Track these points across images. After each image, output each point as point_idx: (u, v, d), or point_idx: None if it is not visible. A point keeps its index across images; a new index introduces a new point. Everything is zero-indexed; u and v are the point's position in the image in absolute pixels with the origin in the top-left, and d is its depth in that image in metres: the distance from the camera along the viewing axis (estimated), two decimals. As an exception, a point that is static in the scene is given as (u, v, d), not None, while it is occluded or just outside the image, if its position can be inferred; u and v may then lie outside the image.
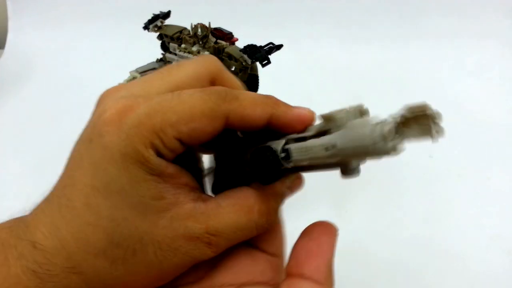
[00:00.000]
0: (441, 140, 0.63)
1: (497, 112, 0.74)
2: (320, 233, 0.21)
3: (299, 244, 0.21)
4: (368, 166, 0.68)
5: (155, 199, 0.19)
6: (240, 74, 0.43)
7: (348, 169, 0.20)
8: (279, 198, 0.22)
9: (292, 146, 0.20)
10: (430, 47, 0.88)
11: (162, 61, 0.48)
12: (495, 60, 0.85)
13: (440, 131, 0.18)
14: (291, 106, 0.22)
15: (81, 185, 0.19)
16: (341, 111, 0.19)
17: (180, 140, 0.19)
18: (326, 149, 0.18)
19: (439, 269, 0.46)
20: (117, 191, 0.19)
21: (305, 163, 0.19)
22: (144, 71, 0.48)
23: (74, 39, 0.93)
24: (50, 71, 0.86)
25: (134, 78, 0.47)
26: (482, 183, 0.58)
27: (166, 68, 0.22)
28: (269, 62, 0.40)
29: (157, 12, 0.47)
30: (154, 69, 0.48)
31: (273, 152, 0.20)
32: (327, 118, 0.20)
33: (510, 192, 0.57)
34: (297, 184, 0.23)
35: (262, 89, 0.44)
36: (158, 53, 0.48)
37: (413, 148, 0.73)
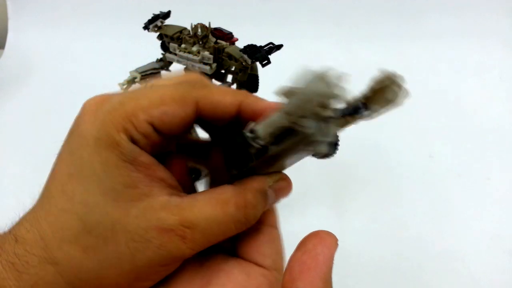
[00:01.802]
0: (441, 140, 0.63)
1: (497, 112, 0.74)
2: (316, 244, 0.20)
3: (293, 257, 0.20)
4: (368, 166, 0.68)
5: (127, 187, 0.19)
6: (240, 74, 0.43)
7: (317, 149, 0.18)
8: (259, 194, 0.21)
9: (258, 125, 0.19)
10: (430, 47, 0.88)
11: (162, 61, 0.48)
12: (495, 60, 0.85)
13: (405, 94, 0.18)
14: (262, 98, 0.22)
15: (59, 174, 0.20)
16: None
17: (152, 125, 0.19)
18: (281, 112, 0.18)
19: (439, 269, 0.46)
20: (90, 175, 0.19)
21: (269, 139, 0.19)
22: (144, 71, 0.48)
23: (74, 39, 0.93)
24: (50, 71, 0.86)
25: (134, 78, 0.47)
26: (482, 183, 0.59)
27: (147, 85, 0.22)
28: (269, 62, 0.40)
29: (157, 12, 0.47)
30: (154, 69, 0.48)
31: (241, 133, 0.19)
32: (288, 93, 0.18)
33: (510, 192, 0.57)
34: (283, 187, 0.22)
35: (262, 89, 0.44)
36: (158, 53, 0.48)
37: (413, 148, 0.73)
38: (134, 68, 0.48)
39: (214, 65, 0.43)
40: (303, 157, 0.21)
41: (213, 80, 0.46)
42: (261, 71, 0.43)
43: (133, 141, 0.19)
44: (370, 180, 0.59)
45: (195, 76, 0.23)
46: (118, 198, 0.19)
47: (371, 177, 0.59)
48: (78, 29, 0.93)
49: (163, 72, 0.49)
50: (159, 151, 0.21)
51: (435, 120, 0.72)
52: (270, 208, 0.23)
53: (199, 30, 0.42)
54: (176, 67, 0.47)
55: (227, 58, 0.42)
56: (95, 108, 0.20)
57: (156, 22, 0.46)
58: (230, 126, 0.22)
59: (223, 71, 0.45)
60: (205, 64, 0.42)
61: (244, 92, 0.22)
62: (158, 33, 0.47)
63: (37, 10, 0.94)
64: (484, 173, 0.60)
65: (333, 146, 0.19)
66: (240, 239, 0.23)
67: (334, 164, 0.61)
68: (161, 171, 0.20)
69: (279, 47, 0.41)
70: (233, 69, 0.44)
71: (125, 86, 0.47)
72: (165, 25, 0.46)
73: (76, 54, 0.90)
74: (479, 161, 0.62)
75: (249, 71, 0.43)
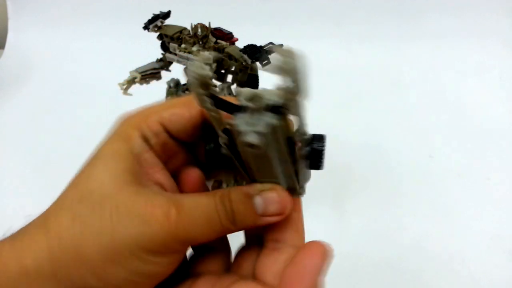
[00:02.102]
0: (441, 140, 0.63)
1: (497, 112, 0.74)
2: (305, 256, 0.21)
3: (285, 270, 0.21)
4: (368, 166, 0.68)
5: (127, 173, 0.21)
6: (240, 74, 0.43)
7: (246, 139, 0.17)
8: (242, 195, 0.21)
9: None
10: (430, 47, 0.88)
11: (162, 61, 0.48)
12: (495, 60, 0.85)
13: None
14: None
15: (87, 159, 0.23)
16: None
17: (163, 126, 0.22)
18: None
19: (438, 268, 0.46)
20: (100, 157, 0.22)
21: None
22: (144, 71, 0.48)
23: (74, 39, 0.93)
24: (50, 71, 0.86)
25: (134, 78, 0.47)
26: (482, 183, 0.59)
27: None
28: (269, 62, 0.40)
29: (157, 12, 0.47)
30: (154, 69, 0.48)
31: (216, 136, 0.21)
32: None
33: (510, 192, 0.57)
34: (272, 198, 0.21)
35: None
36: (158, 53, 0.48)
37: (413, 148, 0.73)
38: (134, 68, 0.48)
39: (214, 65, 0.43)
40: (286, 163, 0.21)
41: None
42: (261, 71, 0.43)
43: (145, 139, 0.22)
44: (370, 180, 0.59)
45: None
46: (117, 178, 0.21)
47: (371, 177, 0.59)
48: (78, 29, 0.93)
49: (163, 72, 0.49)
50: (173, 158, 0.24)
51: (435, 120, 0.72)
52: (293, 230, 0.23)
53: (199, 30, 0.42)
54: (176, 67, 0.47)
55: (227, 58, 0.42)
56: (122, 120, 0.24)
57: (156, 22, 0.46)
58: None
59: (223, 71, 0.45)
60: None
61: None
62: (158, 33, 0.47)
63: (37, 10, 0.94)
64: (484, 173, 0.60)
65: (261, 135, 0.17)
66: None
67: (334, 164, 0.61)
68: (161, 174, 0.23)
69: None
70: (233, 69, 0.44)
71: (125, 86, 0.47)
72: (165, 25, 0.46)
73: (76, 54, 0.90)
74: (479, 161, 0.62)
75: (249, 71, 0.43)
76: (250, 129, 0.17)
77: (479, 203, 0.55)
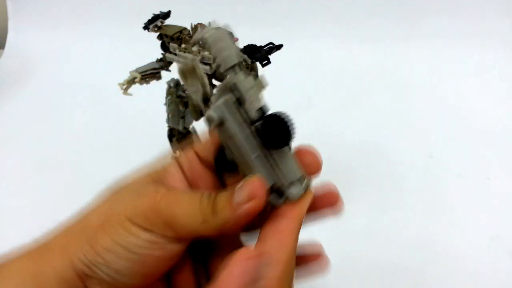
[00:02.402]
0: (441, 140, 0.63)
1: (497, 113, 0.74)
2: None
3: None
4: (368, 166, 0.68)
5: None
6: (240, 74, 0.43)
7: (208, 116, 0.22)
8: (227, 191, 0.22)
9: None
10: (430, 47, 0.88)
11: (162, 61, 0.48)
12: (495, 60, 0.85)
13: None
14: None
15: None
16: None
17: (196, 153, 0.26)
18: None
19: (438, 269, 0.46)
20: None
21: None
22: (144, 71, 0.48)
23: (74, 39, 0.93)
24: (50, 71, 0.86)
25: (134, 78, 0.47)
26: (481, 183, 0.59)
27: None
28: (269, 62, 0.40)
29: (157, 12, 0.47)
30: (154, 69, 0.48)
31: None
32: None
33: (510, 192, 0.57)
34: (245, 186, 0.21)
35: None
36: (158, 53, 0.48)
37: (413, 148, 0.73)
38: (134, 68, 0.48)
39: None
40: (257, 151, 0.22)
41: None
42: (261, 71, 0.43)
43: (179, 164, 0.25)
44: (370, 180, 0.59)
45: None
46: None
47: (371, 177, 0.59)
48: (78, 29, 0.94)
49: (163, 72, 0.49)
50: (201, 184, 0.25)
51: (435, 120, 0.72)
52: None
53: (199, 30, 0.42)
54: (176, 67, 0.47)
55: (227, 58, 0.42)
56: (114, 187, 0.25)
57: (156, 22, 0.46)
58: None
59: (223, 71, 0.45)
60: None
61: None
62: (158, 33, 0.47)
63: (37, 11, 0.94)
64: (484, 173, 0.60)
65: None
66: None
67: (334, 164, 0.61)
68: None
69: (279, 47, 0.41)
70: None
71: (125, 86, 0.47)
72: (165, 25, 0.46)
73: (76, 54, 0.90)
74: (479, 161, 0.62)
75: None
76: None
77: (478, 203, 0.55)
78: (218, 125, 0.21)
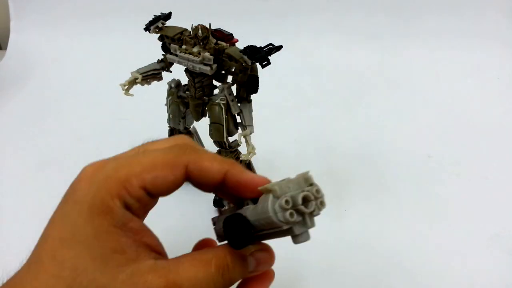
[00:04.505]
0: (440, 140, 0.64)
1: (495, 112, 0.74)
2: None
3: None
4: (367, 166, 0.68)
5: (116, 252, 0.19)
6: (240, 75, 0.43)
7: (294, 236, 0.21)
8: (239, 260, 0.22)
9: (249, 210, 0.22)
10: (428, 47, 0.88)
11: (163, 62, 0.49)
12: (494, 60, 0.85)
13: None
14: (247, 171, 0.23)
15: (50, 239, 0.20)
16: (279, 183, 0.21)
17: (145, 189, 0.21)
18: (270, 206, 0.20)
19: (437, 268, 0.47)
20: (82, 241, 0.19)
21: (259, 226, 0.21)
22: (145, 71, 0.48)
23: (75, 39, 0.93)
24: (52, 71, 0.87)
25: (135, 78, 0.47)
26: (480, 182, 0.59)
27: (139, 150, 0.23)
28: (269, 63, 0.40)
29: (158, 14, 0.47)
30: (155, 69, 0.49)
31: (243, 217, 0.21)
32: (265, 190, 0.21)
33: (508, 192, 0.57)
34: (264, 258, 0.23)
35: (262, 90, 0.44)
36: (159, 54, 0.48)
37: (412, 148, 0.73)
38: (135, 69, 0.48)
39: (214, 66, 0.43)
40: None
41: (214, 81, 0.46)
42: (261, 71, 0.43)
43: (127, 206, 0.20)
44: (369, 180, 0.59)
45: (185, 139, 0.24)
46: (107, 263, 0.19)
47: (370, 177, 0.60)
48: (80, 30, 0.94)
49: (163, 72, 0.50)
50: (147, 210, 0.22)
51: (434, 120, 0.72)
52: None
53: (200, 31, 0.42)
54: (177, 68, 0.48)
55: (227, 59, 0.43)
56: (91, 175, 0.21)
57: (157, 24, 0.46)
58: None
59: (223, 72, 0.45)
60: (206, 65, 0.43)
61: (231, 161, 0.23)
62: (159, 34, 0.47)
63: (39, 12, 0.94)
64: (482, 172, 0.60)
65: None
66: None
67: (334, 164, 0.62)
68: (148, 237, 0.21)
69: (278, 48, 0.41)
70: (233, 70, 0.44)
71: (126, 87, 0.47)
72: (166, 26, 0.47)
73: (77, 54, 0.91)
74: (477, 160, 0.63)
75: (249, 72, 0.43)
76: (305, 229, 0.22)
77: (477, 203, 0.55)
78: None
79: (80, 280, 0.19)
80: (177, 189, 0.22)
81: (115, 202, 0.20)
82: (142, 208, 0.21)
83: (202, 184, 0.23)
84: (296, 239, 0.21)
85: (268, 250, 0.23)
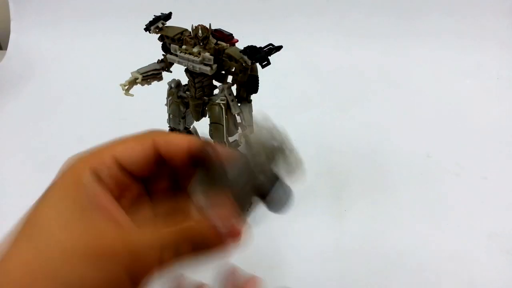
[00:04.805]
0: (439, 140, 0.64)
1: (494, 112, 0.74)
2: None
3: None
4: (367, 166, 0.68)
5: (76, 205, 0.20)
6: (240, 75, 0.43)
7: (267, 200, 0.22)
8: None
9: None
10: (429, 47, 0.88)
11: (163, 62, 0.49)
12: (494, 60, 0.85)
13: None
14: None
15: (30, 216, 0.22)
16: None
17: (115, 159, 0.22)
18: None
19: (437, 267, 0.47)
20: (48, 191, 0.21)
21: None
22: (145, 71, 0.48)
23: (75, 40, 0.93)
24: (52, 72, 0.87)
25: (135, 78, 0.47)
26: (479, 182, 0.59)
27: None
28: (268, 63, 0.40)
29: (158, 14, 0.47)
30: (155, 70, 0.49)
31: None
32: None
33: (507, 191, 0.57)
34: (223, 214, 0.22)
35: (262, 90, 0.44)
36: (159, 54, 0.49)
37: (411, 148, 0.73)
38: (135, 69, 0.48)
39: (214, 66, 0.43)
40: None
41: (214, 81, 0.47)
42: (261, 72, 0.43)
43: (96, 173, 0.21)
44: (369, 180, 0.59)
45: (157, 129, 0.26)
46: (62, 214, 0.20)
47: (370, 176, 0.60)
48: (80, 30, 0.94)
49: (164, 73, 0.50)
50: (126, 191, 0.23)
51: (433, 120, 0.72)
52: None
53: (200, 31, 0.42)
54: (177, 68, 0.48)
55: (227, 59, 0.43)
56: (72, 161, 0.23)
57: (157, 24, 0.46)
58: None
59: (223, 72, 0.45)
60: (206, 65, 0.43)
61: (192, 137, 0.25)
62: (159, 35, 0.47)
63: (39, 12, 0.95)
64: (481, 172, 0.60)
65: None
66: None
67: (333, 164, 0.62)
68: (118, 214, 0.22)
69: (278, 48, 0.41)
70: (233, 70, 0.44)
71: (126, 87, 0.47)
72: (166, 27, 0.47)
73: (78, 55, 0.91)
74: (476, 160, 0.63)
75: (249, 72, 0.43)
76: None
77: (476, 202, 0.55)
78: None
79: (39, 223, 0.21)
80: (148, 166, 0.23)
81: (84, 166, 0.22)
82: (117, 187, 0.22)
83: (171, 158, 0.24)
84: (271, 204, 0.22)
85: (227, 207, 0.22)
